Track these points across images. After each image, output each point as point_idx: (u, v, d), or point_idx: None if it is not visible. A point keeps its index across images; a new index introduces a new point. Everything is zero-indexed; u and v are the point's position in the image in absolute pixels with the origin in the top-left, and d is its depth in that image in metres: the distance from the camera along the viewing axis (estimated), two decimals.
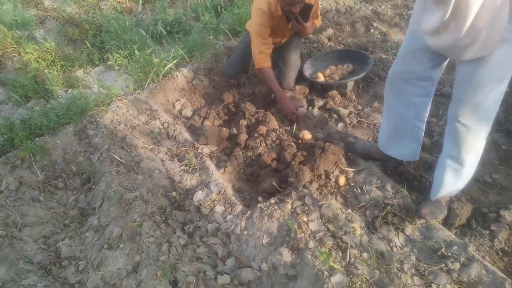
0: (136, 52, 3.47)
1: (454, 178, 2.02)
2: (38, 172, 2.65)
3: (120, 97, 3.19)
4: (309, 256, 1.90)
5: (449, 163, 1.99)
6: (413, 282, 1.87)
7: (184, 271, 1.92)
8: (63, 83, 3.54)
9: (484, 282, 1.83)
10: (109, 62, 3.42)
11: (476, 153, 1.94)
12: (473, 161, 1.97)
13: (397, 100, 2.15)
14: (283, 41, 3.27)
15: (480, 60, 1.63)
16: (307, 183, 2.35)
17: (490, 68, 1.62)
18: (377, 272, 1.86)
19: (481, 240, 2.07)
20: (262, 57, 2.98)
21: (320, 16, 3.29)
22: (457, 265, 1.92)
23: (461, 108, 1.79)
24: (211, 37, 3.77)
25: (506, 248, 2.02)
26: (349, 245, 2.00)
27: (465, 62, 1.70)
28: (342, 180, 2.39)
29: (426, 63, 1.94)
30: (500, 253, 2.02)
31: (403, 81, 2.05)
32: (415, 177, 2.45)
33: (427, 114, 2.22)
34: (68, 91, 3.46)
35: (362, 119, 2.93)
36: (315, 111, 3.05)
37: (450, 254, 1.96)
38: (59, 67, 3.71)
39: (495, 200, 2.26)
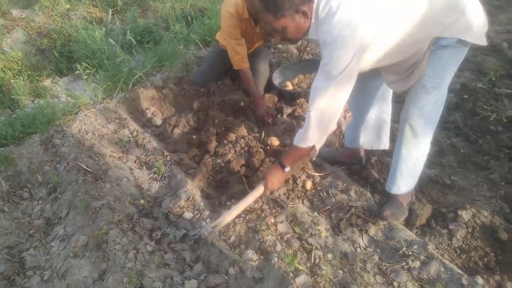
0: (105, 61, 3.46)
1: (400, 174, 2.15)
2: (3, 183, 2.60)
3: (88, 106, 3.18)
4: (276, 259, 1.94)
5: (396, 158, 2.15)
6: (376, 280, 1.93)
7: (150, 277, 1.92)
8: (30, 93, 3.49)
9: (442, 278, 1.91)
10: (78, 72, 3.39)
11: (415, 152, 2.09)
12: (416, 160, 2.12)
13: (359, 95, 2.25)
14: (253, 48, 3.34)
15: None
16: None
17: (424, 78, 1.87)
18: (341, 272, 1.91)
19: (440, 239, 2.16)
20: (238, 58, 3.06)
21: None
22: (417, 263, 1.99)
23: (410, 113, 1.99)
24: (181, 46, 3.81)
25: (463, 246, 2.12)
26: (314, 247, 2.05)
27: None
28: (308, 185, 2.44)
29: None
30: (458, 251, 2.11)
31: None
32: (378, 181, 2.54)
33: (389, 106, 2.35)
34: (35, 101, 3.41)
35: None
36: (284, 118, 3.12)
37: (410, 253, 2.04)
38: (26, 77, 3.66)
39: (453, 201, 2.36)
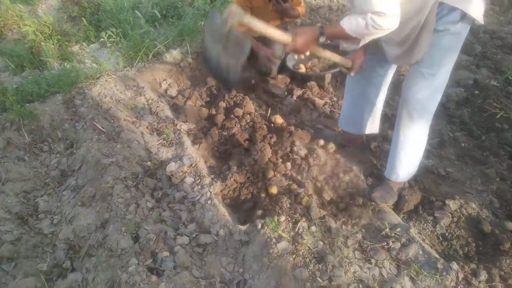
0: (129, 31, 3.63)
1: (398, 161, 2.22)
2: (26, 135, 2.83)
3: (109, 73, 3.37)
4: (260, 225, 2.08)
5: (394, 144, 2.21)
6: (354, 255, 2.03)
7: (146, 229, 2.09)
8: (58, 56, 3.71)
9: (419, 261, 2.00)
10: (102, 39, 3.58)
11: (412, 139, 2.14)
12: (412, 147, 2.17)
13: (358, 80, 2.34)
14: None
15: (415, 64, 1.94)
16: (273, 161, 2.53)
17: (421, 65, 1.91)
18: (321, 243, 2.03)
19: (425, 225, 2.24)
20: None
21: (303, 4, 3.47)
22: (397, 245, 2.08)
23: (407, 98, 2.04)
24: (203, 23, 3.93)
25: (446, 234, 2.19)
26: (302, 219, 2.17)
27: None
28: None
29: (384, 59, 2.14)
30: (440, 238, 2.18)
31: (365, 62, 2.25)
32: (375, 166, 2.62)
33: (385, 94, 2.43)
34: (62, 64, 3.63)
35: (335, 110, 3.09)
36: (293, 99, 3.22)
37: (393, 234, 2.13)
38: (55, 41, 3.88)
39: (445, 191, 2.42)
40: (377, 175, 2.52)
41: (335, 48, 2.17)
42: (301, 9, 3.39)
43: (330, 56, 2.14)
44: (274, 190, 2.35)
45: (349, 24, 1.74)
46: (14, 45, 3.81)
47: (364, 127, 2.56)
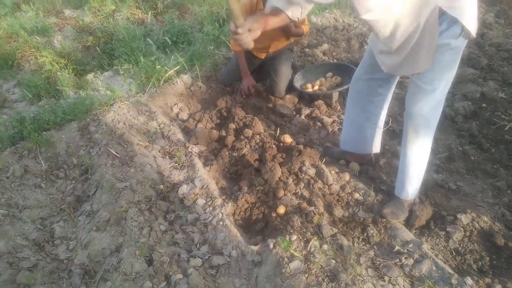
0: (141, 58, 3.76)
1: (407, 178, 2.25)
2: (42, 162, 2.93)
3: (122, 99, 3.47)
4: (272, 244, 2.10)
5: (403, 162, 2.23)
6: (367, 273, 2.04)
7: (160, 252, 2.13)
8: (73, 85, 3.85)
9: (433, 277, 1.99)
10: (116, 67, 3.72)
11: (419, 154, 2.17)
12: (419, 163, 2.20)
13: (359, 100, 2.39)
14: (273, 47, 3.53)
15: (415, 76, 1.97)
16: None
17: (422, 80, 1.94)
18: (333, 261, 2.04)
19: (437, 240, 2.23)
20: (234, 41, 3.27)
21: (307, 23, 3.55)
22: (410, 261, 2.08)
23: (411, 115, 2.06)
24: (212, 47, 4.05)
25: (459, 248, 2.18)
26: (313, 238, 2.18)
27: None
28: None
29: (382, 72, 2.17)
30: (454, 253, 2.17)
31: (364, 81, 2.31)
32: (385, 182, 2.63)
33: (385, 113, 2.47)
34: (77, 92, 3.76)
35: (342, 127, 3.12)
36: (301, 118, 3.27)
37: (405, 250, 2.13)
38: (71, 70, 4.04)
39: (456, 205, 2.41)
40: (387, 191, 2.53)
41: None
42: (305, 28, 3.47)
43: None
44: (281, 210, 2.38)
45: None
46: (31, 75, 3.97)
47: (363, 147, 2.60)
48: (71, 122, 3.24)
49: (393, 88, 2.32)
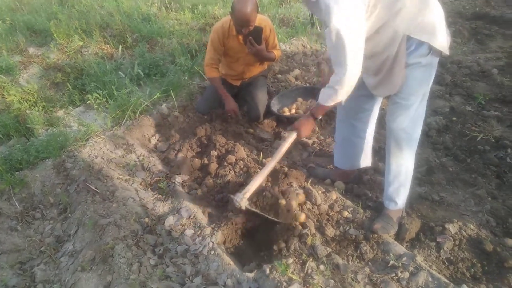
0: (115, 92, 3.71)
1: (394, 190, 2.32)
2: (17, 204, 2.77)
3: (98, 134, 3.39)
4: (270, 270, 2.06)
5: (388, 174, 2.32)
6: None
7: (152, 287, 2.04)
8: (44, 123, 3.72)
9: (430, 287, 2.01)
10: (89, 101, 3.64)
11: (403, 165, 2.24)
12: (405, 174, 2.27)
13: (347, 118, 2.48)
14: (248, 74, 3.60)
15: (393, 96, 2.09)
16: None
17: (399, 96, 2.05)
18: (332, 281, 2.01)
19: (429, 251, 2.26)
20: (208, 69, 3.50)
21: (278, 48, 3.65)
22: (406, 274, 2.09)
23: (392, 129, 2.17)
24: (186, 78, 4.06)
25: (451, 257, 2.21)
26: (309, 259, 2.16)
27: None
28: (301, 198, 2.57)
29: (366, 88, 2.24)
30: (446, 262, 2.20)
31: (349, 99, 2.32)
32: (370, 198, 2.66)
33: (373, 128, 2.54)
34: (49, 130, 3.63)
35: (323, 148, 3.18)
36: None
37: (400, 264, 2.14)
38: (40, 108, 3.91)
39: (442, 216, 2.47)
40: (375, 207, 2.56)
41: None
42: (277, 52, 3.56)
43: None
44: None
45: (324, 99, 2.06)
46: None
47: (357, 162, 2.64)
48: (45, 160, 3.11)
49: (378, 103, 2.39)
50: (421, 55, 1.89)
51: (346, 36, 1.71)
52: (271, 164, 2.35)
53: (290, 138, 2.31)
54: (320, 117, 2.32)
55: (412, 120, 2.09)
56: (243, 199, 2.23)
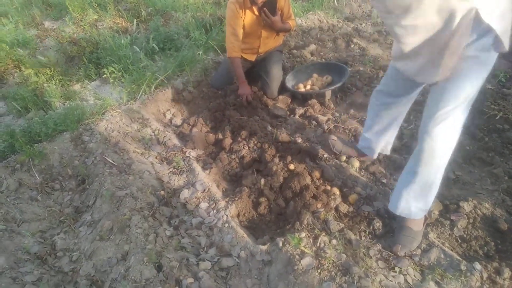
0: (130, 66, 3.71)
1: (407, 191, 2.08)
2: (36, 175, 2.85)
3: (114, 107, 3.42)
4: (281, 243, 2.09)
5: (406, 176, 2.08)
6: (378, 265, 2.05)
7: (168, 257, 2.10)
8: (61, 96, 3.77)
9: (442, 264, 2.02)
10: (105, 76, 3.66)
11: (434, 169, 1.97)
12: (428, 176, 1.99)
13: (380, 108, 2.35)
14: (264, 47, 3.55)
15: (443, 82, 1.73)
16: None
17: (452, 87, 1.71)
18: (344, 255, 2.04)
19: (442, 229, 2.26)
20: (231, 47, 3.39)
21: (293, 18, 3.59)
22: (418, 251, 2.11)
23: (428, 126, 1.86)
24: (200, 53, 4.04)
25: (464, 235, 2.21)
26: (322, 234, 2.19)
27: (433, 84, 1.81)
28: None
29: (406, 83, 2.12)
30: (459, 240, 2.20)
31: (385, 95, 2.29)
32: (385, 175, 2.66)
33: (401, 119, 2.42)
34: (66, 103, 3.69)
35: (338, 125, 3.16)
36: (296, 118, 3.29)
37: None
38: (57, 81, 3.96)
39: (457, 194, 2.46)
40: (389, 184, 2.55)
41: None
42: (292, 23, 3.51)
43: None
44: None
45: None
46: (17, 88, 3.86)
47: (378, 150, 2.59)
48: (63, 133, 3.16)
49: (414, 98, 2.26)
50: (482, 48, 1.57)
51: None
52: None
53: None
54: None
55: (452, 119, 1.80)
56: None
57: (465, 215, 2.26)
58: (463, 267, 1.97)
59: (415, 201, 2.07)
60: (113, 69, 3.64)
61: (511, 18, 1.55)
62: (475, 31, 1.54)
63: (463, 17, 1.48)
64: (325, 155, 2.78)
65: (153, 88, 3.62)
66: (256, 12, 3.30)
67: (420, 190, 2.04)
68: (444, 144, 1.87)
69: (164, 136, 3.18)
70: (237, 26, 3.31)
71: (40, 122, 3.16)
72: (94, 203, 2.57)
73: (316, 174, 2.56)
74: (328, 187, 2.50)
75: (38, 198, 2.70)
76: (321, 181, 2.56)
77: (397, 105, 2.30)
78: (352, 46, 4.42)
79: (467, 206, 2.30)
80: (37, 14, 5.62)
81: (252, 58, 3.65)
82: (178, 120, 3.49)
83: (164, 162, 2.96)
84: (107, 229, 2.33)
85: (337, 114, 3.33)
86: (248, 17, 3.33)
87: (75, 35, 4.99)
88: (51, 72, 4.05)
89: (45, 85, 3.81)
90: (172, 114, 3.56)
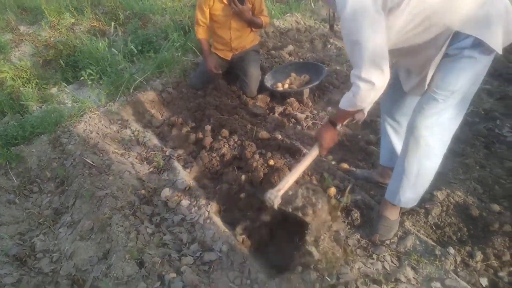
0: (108, 68, 3.70)
1: (401, 187, 2.08)
2: (14, 178, 2.81)
3: (92, 110, 3.40)
4: None
5: (396, 169, 2.11)
6: (356, 253, 2.11)
7: (150, 254, 2.11)
8: (38, 99, 3.73)
9: (418, 250, 2.10)
10: (82, 78, 3.64)
11: (421, 170, 2.00)
12: (417, 177, 2.02)
13: (398, 115, 2.29)
14: (233, 40, 3.59)
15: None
16: None
17: (432, 93, 1.79)
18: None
19: (417, 217, 2.33)
20: (198, 29, 3.58)
21: (266, 14, 3.64)
22: (395, 238, 2.18)
23: (415, 123, 1.88)
24: (179, 54, 4.06)
25: (438, 222, 2.29)
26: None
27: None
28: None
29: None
30: (434, 227, 2.28)
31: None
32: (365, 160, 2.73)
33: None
34: (43, 106, 3.64)
35: (317, 122, 3.22)
36: (275, 116, 3.34)
37: None
38: (34, 85, 3.91)
39: (431, 184, 2.53)
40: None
41: None
42: (264, 19, 3.56)
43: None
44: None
45: (345, 104, 1.87)
46: None
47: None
48: (41, 135, 3.13)
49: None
50: (463, 47, 1.65)
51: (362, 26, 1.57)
52: (293, 175, 2.15)
53: (314, 152, 2.16)
54: (341, 126, 2.10)
55: (442, 119, 1.82)
56: (276, 197, 2.03)
57: (438, 204, 2.35)
58: (437, 252, 2.05)
59: (405, 193, 2.09)
60: (91, 71, 3.63)
61: (498, 23, 1.61)
62: (457, 38, 1.65)
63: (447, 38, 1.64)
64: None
65: (132, 89, 3.62)
66: (225, 1, 3.37)
67: (408, 183, 2.04)
68: (430, 135, 1.86)
69: (144, 137, 3.18)
70: (204, 13, 3.45)
71: (17, 125, 3.12)
72: (73, 204, 2.56)
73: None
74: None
75: (16, 201, 2.66)
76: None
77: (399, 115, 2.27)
78: (329, 46, 4.52)
79: (440, 195, 2.39)
80: (11, 19, 5.53)
81: (227, 56, 3.68)
82: (158, 121, 3.49)
83: (145, 162, 2.96)
84: (87, 229, 2.32)
85: (315, 112, 3.40)
86: (217, 4, 3.42)
87: (52, 39, 4.94)
88: (27, 75, 4.00)
89: (21, 88, 3.76)
90: (152, 115, 3.56)
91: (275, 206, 2.05)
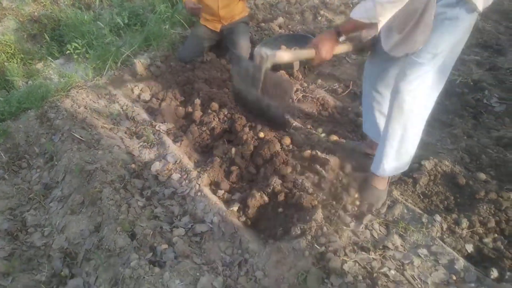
0: (94, 42, 3.62)
1: (384, 154, 2.09)
2: (2, 154, 2.78)
3: (79, 84, 3.34)
4: None
5: (382, 137, 2.12)
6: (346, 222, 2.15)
7: (142, 226, 2.12)
8: (24, 75, 3.65)
9: (405, 218, 2.14)
10: (68, 52, 3.56)
11: (405, 136, 1.99)
12: (401, 143, 2.01)
13: (379, 87, 2.28)
14: (220, 9, 3.48)
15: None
16: None
17: (414, 57, 1.77)
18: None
19: (405, 186, 2.37)
20: None
21: None
22: (383, 208, 2.21)
23: (398, 88, 1.89)
24: (167, 27, 3.97)
25: (426, 191, 2.33)
26: None
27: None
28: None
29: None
30: (421, 196, 2.33)
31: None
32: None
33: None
34: (29, 82, 3.57)
35: (307, 94, 3.21)
36: None
37: None
38: (19, 60, 3.82)
39: (419, 154, 2.55)
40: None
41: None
42: None
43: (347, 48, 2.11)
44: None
45: (359, 12, 1.75)
46: None
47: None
48: (28, 111, 3.09)
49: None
50: (447, 4, 1.62)
51: None
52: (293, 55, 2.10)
53: (307, 52, 2.01)
54: (344, 38, 1.96)
55: (424, 83, 1.82)
56: (270, 56, 1.99)
57: (426, 173, 2.38)
58: (424, 220, 2.10)
59: (388, 161, 2.09)
60: (76, 45, 3.55)
61: None
62: None
63: None
64: (294, 124, 2.84)
65: (119, 64, 3.56)
66: None
67: (391, 149, 2.04)
68: (413, 100, 1.86)
69: (133, 111, 3.14)
70: None
71: (3, 101, 3.07)
72: (63, 179, 2.55)
73: (286, 141, 2.61)
74: (297, 152, 2.56)
75: (5, 176, 2.65)
76: (291, 148, 2.62)
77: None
78: (320, 18, 4.45)
79: (428, 165, 2.42)
80: None
81: (217, 27, 3.60)
82: (146, 95, 3.45)
83: (134, 137, 2.94)
84: (78, 203, 2.32)
85: (305, 85, 3.38)
86: None
87: (36, 13, 4.79)
88: (11, 50, 3.91)
89: (6, 64, 3.68)
90: (140, 90, 3.51)
91: (268, 62, 2.04)
